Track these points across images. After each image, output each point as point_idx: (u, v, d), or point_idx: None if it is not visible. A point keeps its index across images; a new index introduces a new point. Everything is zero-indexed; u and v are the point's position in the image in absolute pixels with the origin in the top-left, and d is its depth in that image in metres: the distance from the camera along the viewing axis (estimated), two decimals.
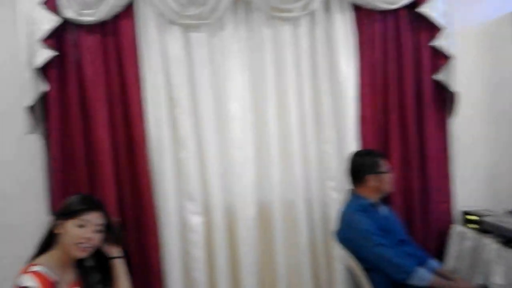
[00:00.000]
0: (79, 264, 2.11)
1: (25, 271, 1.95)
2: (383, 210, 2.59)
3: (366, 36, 3.00)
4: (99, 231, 2.08)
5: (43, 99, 2.81)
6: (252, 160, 3.00)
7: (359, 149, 2.93)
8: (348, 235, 2.49)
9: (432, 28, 2.97)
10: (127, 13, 2.85)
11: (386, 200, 2.67)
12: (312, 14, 3.00)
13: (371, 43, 3.00)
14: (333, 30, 2.99)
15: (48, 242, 2.06)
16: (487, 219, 2.83)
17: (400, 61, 3.03)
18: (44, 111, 2.84)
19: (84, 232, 2.03)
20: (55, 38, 2.77)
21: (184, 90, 2.93)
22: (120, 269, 2.18)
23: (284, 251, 3.01)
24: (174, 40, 2.92)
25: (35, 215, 2.90)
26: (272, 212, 3.01)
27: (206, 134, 2.96)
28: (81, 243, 2.02)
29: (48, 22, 2.70)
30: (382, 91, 3.03)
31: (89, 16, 2.79)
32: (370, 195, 2.54)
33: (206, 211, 2.99)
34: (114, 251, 2.18)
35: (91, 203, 2.09)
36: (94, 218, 2.06)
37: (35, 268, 1.95)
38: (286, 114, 3.00)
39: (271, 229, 3.01)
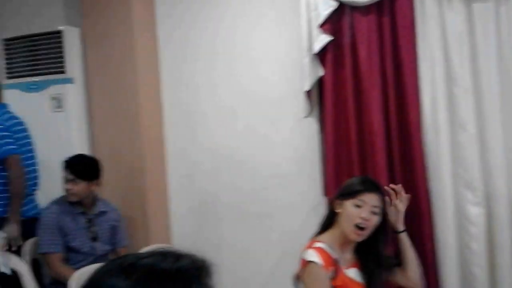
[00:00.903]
0: (358, 245, 2.11)
1: (310, 247, 2.04)
2: None
3: None
4: (375, 213, 2.06)
5: (319, 83, 2.91)
6: None
7: None
8: None
9: None
10: None
11: None
12: None
13: None
14: None
15: (330, 221, 2.12)
16: None
17: None
18: (320, 95, 2.94)
19: (361, 212, 2.03)
20: (331, 22, 2.83)
21: (465, 67, 2.68)
22: (406, 242, 2.20)
23: None
24: (455, 13, 2.68)
25: (310, 194, 3.03)
26: None
27: (490, 114, 2.65)
28: (357, 223, 2.02)
29: (326, 7, 2.77)
30: None
31: None
32: None
33: (488, 202, 2.69)
34: (399, 225, 2.21)
35: (370, 185, 2.10)
36: (371, 199, 2.05)
37: (319, 245, 2.02)
38: None
39: None
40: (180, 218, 3.40)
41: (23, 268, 2.73)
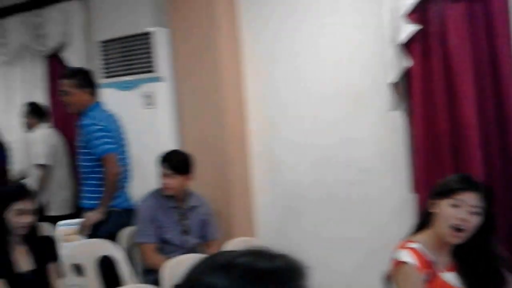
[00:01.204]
0: (457, 248, 2.00)
1: (403, 247, 1.96)
2: None
3: None
4: (475, 213, 1.93)
5: (406, 75, 2.81)
6: None
7: None
8: None
9: None
10: None
11: None
12: None
13: None
14: None
15: (425, 221, 2.01)
16: None
17: None
18: (407, 88, 2.84)
19: (458, 212, 1.90)
20: (418, 11, 2.72)
21: None
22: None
23: None
24: None
25: (395, 191, 2.95)
26: None
27: None
28: (454, 225, 1.91)
29: None
30: None
31: None
32: None
33: None
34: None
35: (468, 183, 1.95)
36: (470, 199, 1.91)
37: (413, 245, 1.93)
38: None
39: None
40: (264, 212, 3.44)
41: (119, 255, 2.90)
